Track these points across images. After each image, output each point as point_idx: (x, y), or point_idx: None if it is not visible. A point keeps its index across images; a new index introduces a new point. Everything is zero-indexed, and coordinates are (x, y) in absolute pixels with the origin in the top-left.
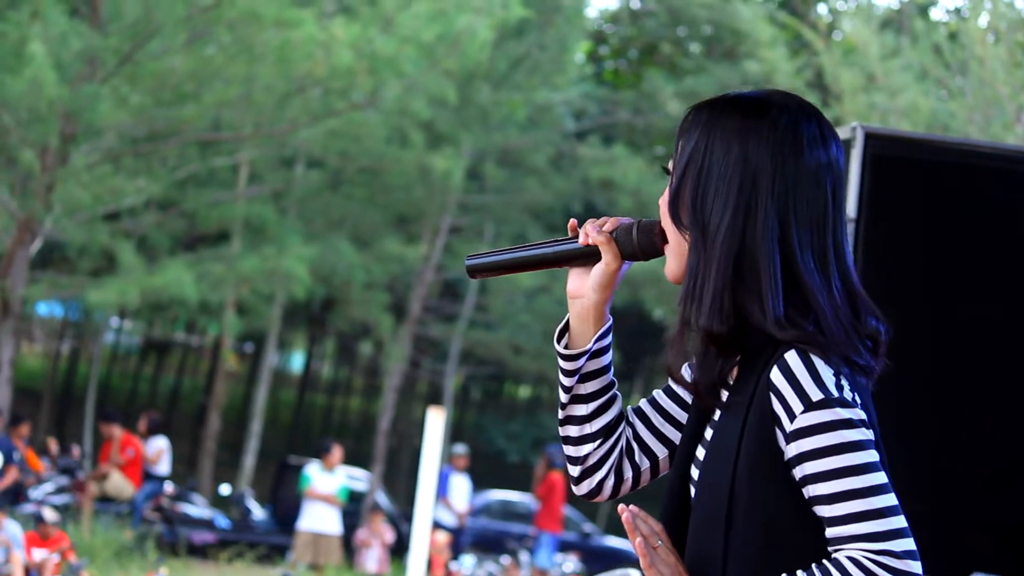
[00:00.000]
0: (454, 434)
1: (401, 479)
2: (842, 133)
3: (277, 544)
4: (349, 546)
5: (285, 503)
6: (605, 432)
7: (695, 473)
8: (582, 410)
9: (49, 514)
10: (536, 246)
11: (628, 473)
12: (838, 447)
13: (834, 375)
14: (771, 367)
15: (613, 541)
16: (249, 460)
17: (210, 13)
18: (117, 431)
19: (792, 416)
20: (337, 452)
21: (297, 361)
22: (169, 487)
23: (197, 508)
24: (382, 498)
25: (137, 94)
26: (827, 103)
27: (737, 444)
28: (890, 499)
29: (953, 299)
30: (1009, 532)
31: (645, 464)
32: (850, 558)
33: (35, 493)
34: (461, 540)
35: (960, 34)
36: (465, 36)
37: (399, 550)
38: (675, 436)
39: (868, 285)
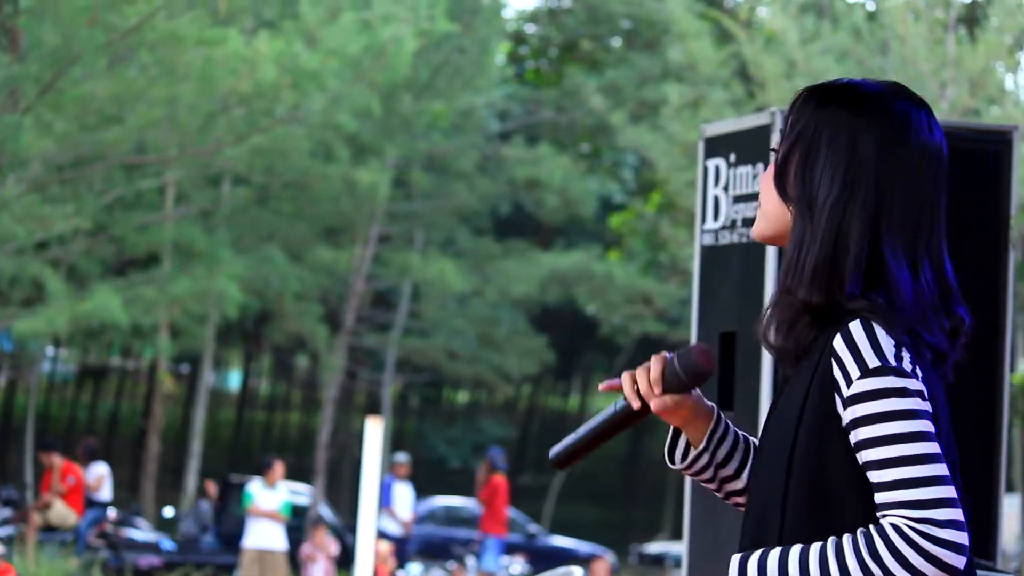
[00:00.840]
0: (395, 443)
1: (344, 491)
2: (761, 119)
3: (223, 564)
4: (295, 561)
5: (229, 521)
6: (742, 468)
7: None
8: (727, 471)
9: None
10: (602, 423)
11: None
12: (890, 414)
13: (895, 345)
14: (835, 334)
15: (559, 541)
16: (191, 481)
17: (130, 37)
18: (57, 460)
19: (849, 381)
20: (279, 468)
21: (234, 379)
22: (112, 512)
23: (141, 532)
24: (325, 511)
25: (60, 121)
26: (751, 92)
27: (800, 409)
28: (938, 468)
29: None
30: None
31: None
32: (892, 525)
33: None
34: (407, 548)
35: (879, 14)
36: (390, 48)
37: (345, 562)
38: None
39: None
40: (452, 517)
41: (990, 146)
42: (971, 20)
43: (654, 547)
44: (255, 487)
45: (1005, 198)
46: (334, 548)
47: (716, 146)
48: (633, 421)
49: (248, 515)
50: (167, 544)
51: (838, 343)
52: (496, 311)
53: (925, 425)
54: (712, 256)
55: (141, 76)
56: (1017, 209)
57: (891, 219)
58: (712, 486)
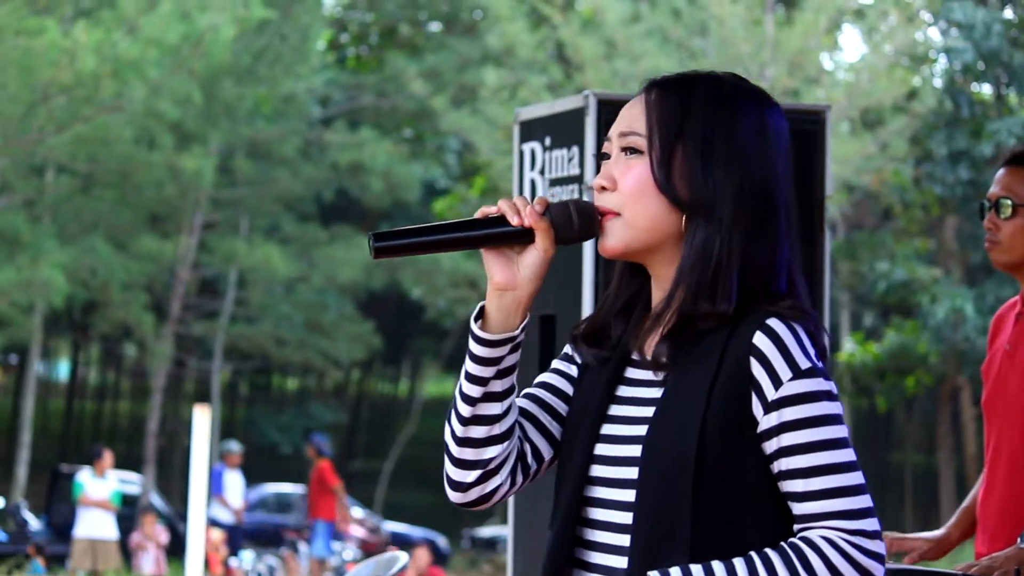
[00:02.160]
0: (225, 430)
1: (175, 480)
2: (575, 102)
3: (55, 553)
4: (127, 550)
5: (60, 512)
6: (510, 433)
7: (610, 448)
8: (495, 409)
9: None
10: (456, 227)
11: (519, 477)
12: (821, 419)
13: (812, 346)
14: (751, 331)
15: (392, 526)
16: (21, 471)
17: None
18: None
19: (778, 383)
20: (108, 457)
21: (63, 369)
22: None
23: None
24: (156, 499)
25: None
26: (569, 75)
27: (704, 405)
28: (860, 477)
29: None
30: None
31: (534, 466)
32: (825, 539)
33: None
34: (238, 536)
35: None
36: (208, 36)
37: (176, 550)
38: (560, 436)
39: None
40: (284, 504)
41: (804, 126)
42: (788, 0)
43: (486, 531)
44: (85, 477)
45: (820, 179)
46: (164, 537)
47: (531, 130)
48: (488, 242)
49: (79, 505)
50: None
51: (761, 341)
52: (323, 297)
53: (846, 431)
54: None
55: None
56: (832, 189)
57: (789, 218)
58: (474, 398)
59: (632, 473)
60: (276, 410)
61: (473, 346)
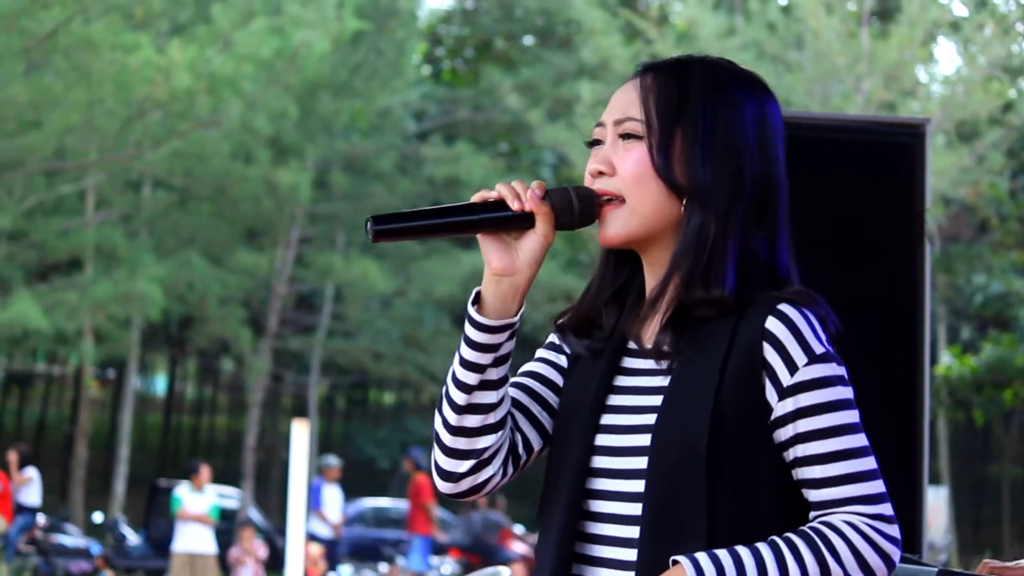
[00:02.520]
0: (323, 445)
1: (273, 494)
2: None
3: (153, 568)
4: (225, 565)
5: (158, 526)
6: (504, 423)
7: (611, 439)
8: (490, 397)
9: None
10: (455, 211)
11: (510, 468)
12: (836, 404)
13: (823, 331)
14: (762, 316)
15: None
16: (119, 486)
17: (46, 43)
18: None
19: (794, 369)
20: (205, 472)
21: (160, 383)
22: (42, 519)
23: (71, 538)
24: (254, 514)
25: None
26: None
27: (715, 393)
28: (874, 462)
29: (806, 272)
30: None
31: (524, 457)
32: (848, 523)
33: None
34: (337, 551)
35: (793, 8)
36: (302, 51)
37: (275, 565)
38: (551, 427)
39: None
40: (382, 518)
41: (902, 139)
42: (884, 13)
43: None
44: (183, 491)
45: (919, 192)
46: (263, 551)
47: None
48: (485, 227)
49: (177, 519)
50: (97, 549)
51: (774, 325)
52: (419, 311)
53: (859, 415)
54: None
55: (58, 81)
56: (931, 202)
57: (784, 199)
58: (471, 385)
59: (639, 463)
60: (373, 425)
61: (471, 332)
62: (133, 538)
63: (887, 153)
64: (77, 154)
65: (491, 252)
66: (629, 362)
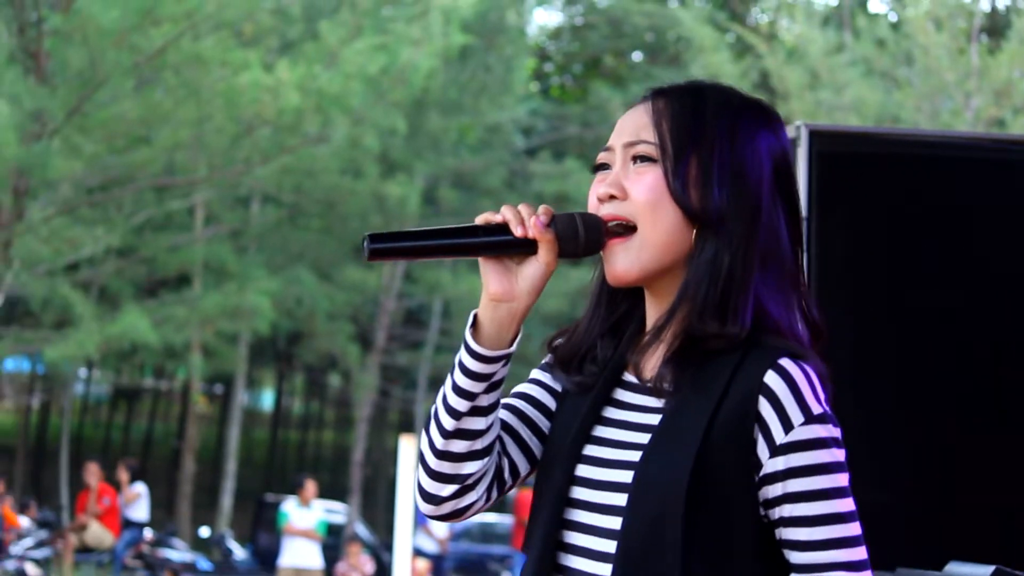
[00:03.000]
0: None
1: (379, 509)
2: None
3: None
4: None
5: (265, 541)
6: (491, 449)
7: (593, 471)
8: (479, 424)
9: (31, 569)
10: (454, 234)
11: (494, 492)
12: (829, 466)
13: (823, 390)
14: (761, 369)
15: None
16: (226, 501)
17: (156, 59)
18: (94, 480)
19: (789, 427)
20: (311, 487)
21: (267, 399)
22: (149, 533)
23: (178, 552)
24: (361, 529)
25: (89, 143)
26: (774, 104)
27: (700, 441)
28: (859, 527)
29: (911, 290)
30: (982, 520)
31: (509, 481)
32: None
33: (15, 549)
34: (443, 566)
35: (902, 24)
36: (409, 67)
37: None
38: (540, 451)
39: (823, 284)
40: (488, 533)
41: (1013, 156)
42: (993, 29)
43: None
44: (290, 506)
45: None
46: (370, 566)
47: None
48: (486, 251)
49: (283, 534)
50: (204, 564)
51: (773, 381)
52: (526, 327)
53: (848, 479)
54: None
55: (168, 98)
56: None
57: (794, 233)
58: (460, 412)
59: (619, 499)
60: None
61: (466, 359)
62: (240, 553)
63: (997, 170)
64: (186, 170)
65: (490, 276)
66: (622, 395)
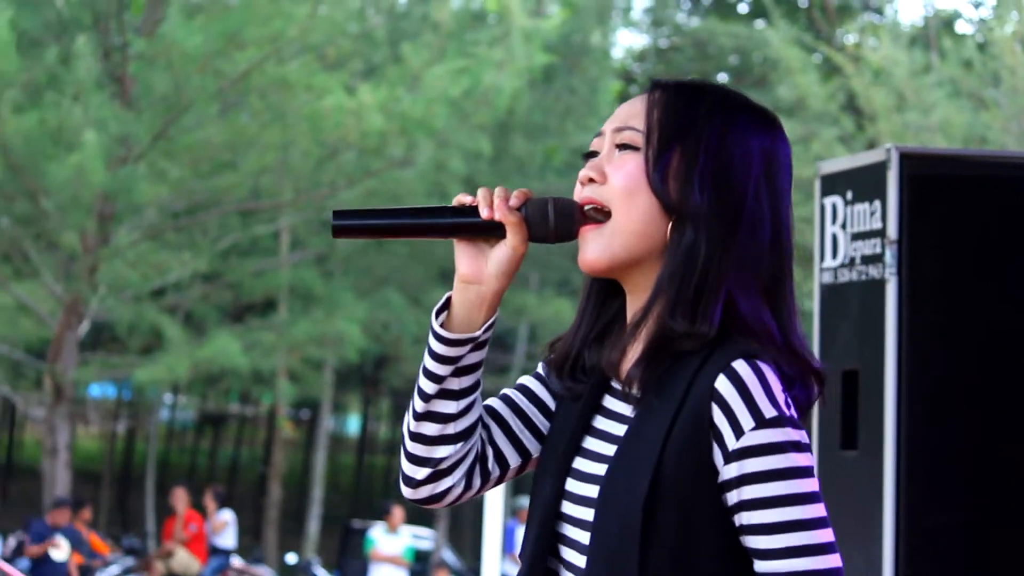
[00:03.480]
0: (517, 486)
1: (467, 535)
2: (876, 155)
3: None
4: None
5: (352, 567)
6: (467, 434)
7: (579, 487)
8: (450, 407)
9: None
10: (421, 212)
11: (477, 481)
12: (786, 472)
13: (783, 391)
14: (714, 372)
15: None
16: (313, 526)
17: (240, 84)
18: (181, 506)
19: (740, 433)
20: (399, 512)
21: (353, 424)
22: (236, 560)
23: None
24: (448, 555)
25: (174, 168)
26: (861, 125)
27: (659, 453)
28: (830, 534)
29: (1005, 314)
30: None
31: (496, 472)
32: None
33: None
34: None
35: (989, 45)
36: (492, 89)
37: None
38: (533, 445)
39: (913, 307)
40: None
41: None
42: None
43: None
44: (377, 532)
45: None
46: None
47: (832, 183)
48: (454, 233)
49: (370, 560)
50: None
51: (723, 385)
52: None
53: (816, 484)
54: (831, 294)
55: (252, 122)
56: None
57: (789, 251)
58: (429, 394)
59: (592, 515)
60: None
61: (431, 341)
62: None
63: None
64: (272, 194)
65: (461, 258)
66: (609, 402)
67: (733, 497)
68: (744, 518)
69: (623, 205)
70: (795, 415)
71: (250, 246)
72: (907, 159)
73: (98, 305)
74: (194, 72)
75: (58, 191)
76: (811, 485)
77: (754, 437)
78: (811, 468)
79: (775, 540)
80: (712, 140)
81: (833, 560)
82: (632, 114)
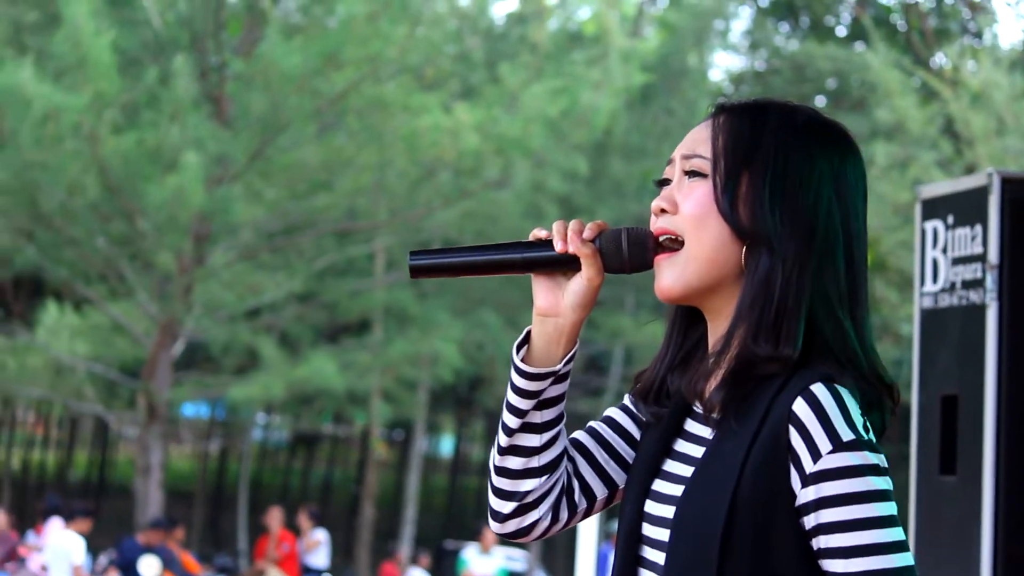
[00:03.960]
0: (611, 511)
1: (559, 557)
2: (977, 180)
3: None
4: None
5: None
6: (552, 467)
7: (658, 508)
8: (533, 441)
9: None
10: (496, 249)
11: (564, 514)
12: (864, 495)
13: (862, 415)
14: (792, 396)
15: None
16: (406, 547)
17: (338, 104)
18: (276, 525)
19: (817, 456)
20: (491, 534)
21: (447, 444)
22: None
23: None
24: None
25: (271, 189)
26: (959, 150)
27: (737, 476)
28: (908, 558)
29: None
30: None
31: (583, 505)
32: None
33: None
34: None
35: None
36: (590, 109)
37: None
38: (619, 476)
39: (1016, 333)
40: None
41: None
42: None
43: None
44: (470, 553)
45: None
46: None
47: (933, 208)
48: (531, 268)
49: None
50: None
51: (801, 408)
52: None
53: (894, 508)
54: (932, 319)
55: (349, 142)
56: None
57: (862, 271)
58: (512, 428)
59: (668, 536)
60: None
61: (513, 375)
62: None
63: None
64: (368, 215)
65: (538, 291)
66: (691, 426)
67: (811, 521)
68: (822, 542)
69: (694, 233)
70: (873, 438)
71: (345, 266)
72: (1009, 184)
73: (193, 325)
74: (291, 92)
75: (155, 211)
76: (889, 509)
77: (832, 460)
78: (889, 492)
79: (851, 564)
80: (779, 161)
81: None
82: (699, 140)
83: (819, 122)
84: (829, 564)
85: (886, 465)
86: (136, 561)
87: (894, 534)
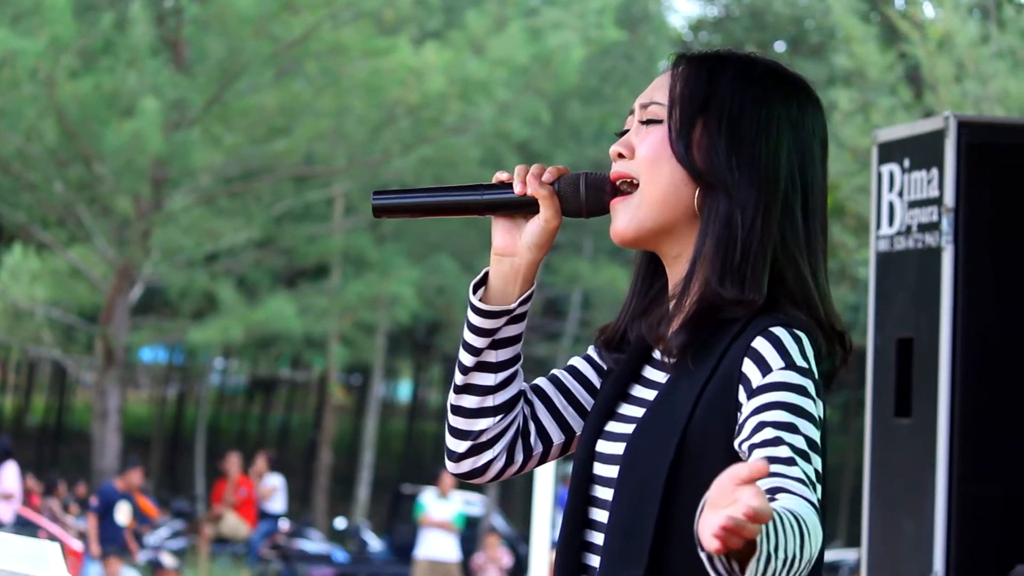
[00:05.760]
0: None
1: (517, 501)
2: (934, 123)
3: (396, 574)
4: (468, 571)
5: (401, 533)
6: (506, 407)
7: (609, 447)
8: (488, 380)
9: (167, 559)
10: (458, 190)
11: (519, 456)
12: (798, 408)
13: (815, 357)
14: (752, 335)
15: None
16: (363, 492)
17: (296, 48)
18: (234, 470)
19: (767, 371)
20: (449, 478)
21: (404, 390)
22: (285, 524)
23: (314, 543)
24: (499, 521)
25: (229, 134)
26: (920, 95)
27: (690, 411)
28: (818, 461)
29: None
30: None
31: (539, 448)
32: (805, 499)
33: (151, 539)
34: None
35: None
36: (558, 57)
37: (519, 572)
38: (576, 423)
39: (970, 276)
40: None
41: None
42: None
43: (829, 554)
44: (427, 498)
45: None
46: (506, 559)
47: (889, 151)
48: (491, 210)
49: (420, 525)
50: (340, 555)
51: (760, 343)
52: None
53: (818, 428)
54: (887, 262)
55: (308, 87)
56: None
57: (822, 223)
58: (467, 366)
59: (618, 471)
60: None
61: (469, 314)
62: (376, 544)
63: None
64: (326, 160)
65: (497, 232)
66: (649, 372)
67: (745, 411)
68: (751, 421)
69: (648, 175)
70: (821, 384)
71: (304, 211)
72: (965, 127)
73: (151, 270)
74: (249, 36)
75: (113, 156)
76: (815, 430)
77: (781, 375)
78: (819, 419)
79: (779, 433)
80: (734, 108)
81: (818, 493)
82: (657, 88)
83: (778, 73)
84: (753, 436)
85: (823, 403)
86: (114, 506)
87: (814, 433)
